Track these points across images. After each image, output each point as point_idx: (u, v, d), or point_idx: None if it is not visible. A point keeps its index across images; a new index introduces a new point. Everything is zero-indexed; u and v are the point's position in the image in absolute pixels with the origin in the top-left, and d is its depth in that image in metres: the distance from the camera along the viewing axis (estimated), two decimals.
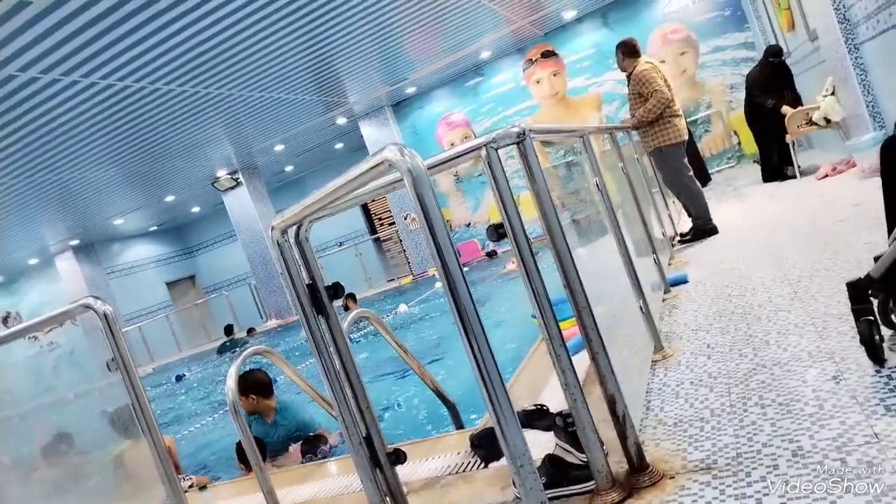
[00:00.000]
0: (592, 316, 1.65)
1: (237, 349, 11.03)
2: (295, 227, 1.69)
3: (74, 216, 12.45)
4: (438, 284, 10.49)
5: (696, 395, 2.12)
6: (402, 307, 9.12)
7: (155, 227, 17.78)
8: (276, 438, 3.90)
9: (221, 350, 11.60)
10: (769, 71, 6.96)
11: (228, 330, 12.41)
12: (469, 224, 12.71)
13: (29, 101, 6.25)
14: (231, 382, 2.32)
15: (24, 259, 15.20)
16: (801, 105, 6.79)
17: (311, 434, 3.89)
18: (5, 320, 17.94)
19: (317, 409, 3.57)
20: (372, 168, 1.26)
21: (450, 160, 1.55)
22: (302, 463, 3.56)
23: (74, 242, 15.07)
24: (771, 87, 6.90)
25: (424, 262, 13.06)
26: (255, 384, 3.92)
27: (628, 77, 5.19)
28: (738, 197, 6.87)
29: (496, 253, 11.91)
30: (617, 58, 5.27)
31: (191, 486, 3.49)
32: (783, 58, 7.10)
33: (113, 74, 6.30)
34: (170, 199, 14.15)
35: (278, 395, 4.10)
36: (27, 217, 11.12)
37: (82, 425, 2.76)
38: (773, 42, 9.10)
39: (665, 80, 5.05)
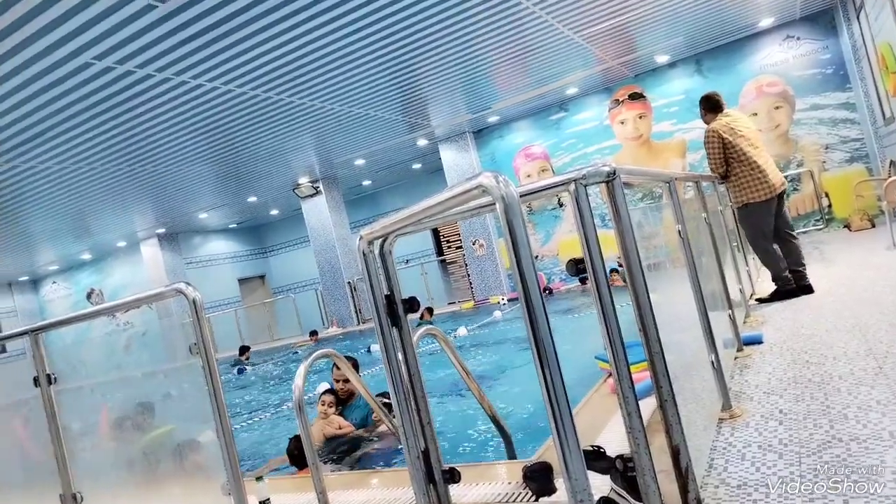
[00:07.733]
0: (665, 362, 1.63)
1: (245, 368, 11.22)
2: (381, 240, 1.77)
3: (164, 206, 13.21)
4: (497, 313, 10.47)
5: (764, 460, 2.04)
6: (462, 330, 9.13)
7: (234, 225, 18.62)
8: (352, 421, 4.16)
9: (239, 371, 11.22)
10: None
11: (243, 350, 12.09)
12: (537, 256, 12.64)
13: (139, 97, 6.74)
14: (299, 381, 2.41)
15: (114, 241, 16.22)
16: None
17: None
18: (89, 296, 19.15)
19: None
20: (465, 192, 1.31)
21: (538, 191, 1.58)
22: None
23: (161, 231, 15.97)
24: None
25: (487, 289, 13.05)
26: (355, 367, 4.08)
27: None
28: (823, 261, 6.55)
29: (551, 291, 11.75)
30: (700, 111, 5.23)
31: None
32: None
33: (219, 78, 6.73)
34: (252, 199, 14.82)
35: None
36: (122, 202, 11.89)
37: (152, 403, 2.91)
38: (875, 106, 8.71)
39: (733, 138, 4.83)
